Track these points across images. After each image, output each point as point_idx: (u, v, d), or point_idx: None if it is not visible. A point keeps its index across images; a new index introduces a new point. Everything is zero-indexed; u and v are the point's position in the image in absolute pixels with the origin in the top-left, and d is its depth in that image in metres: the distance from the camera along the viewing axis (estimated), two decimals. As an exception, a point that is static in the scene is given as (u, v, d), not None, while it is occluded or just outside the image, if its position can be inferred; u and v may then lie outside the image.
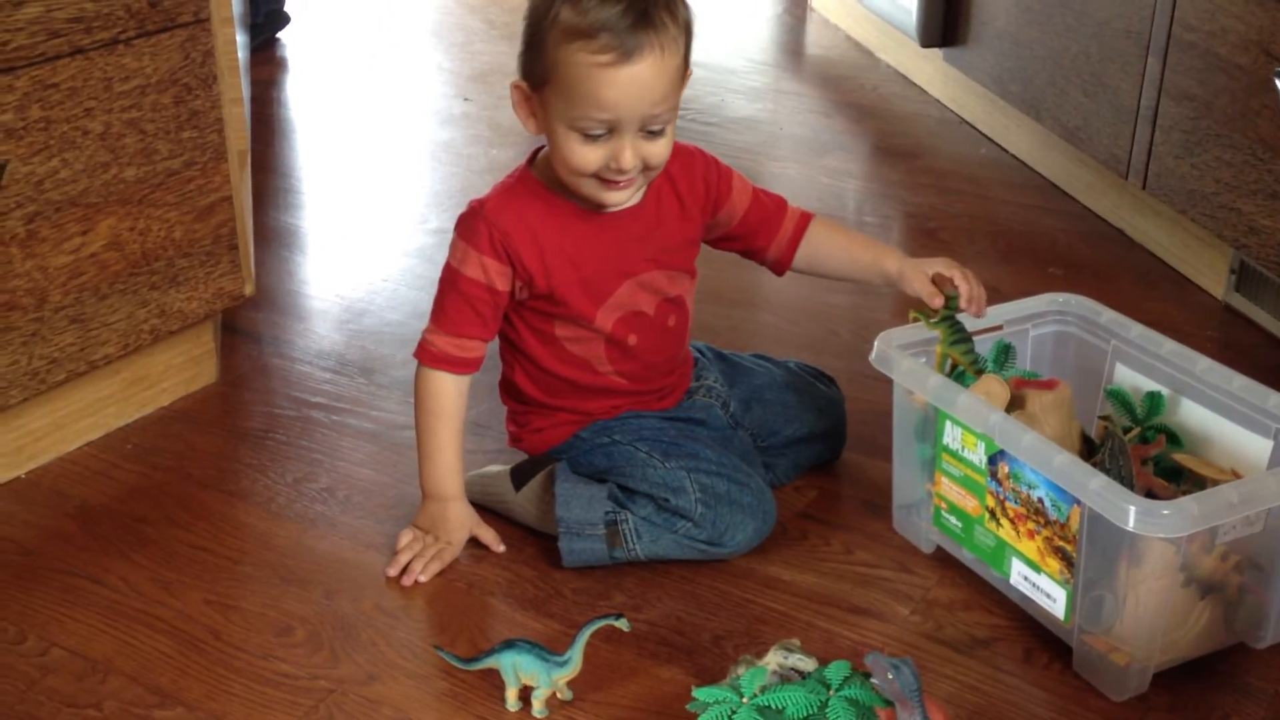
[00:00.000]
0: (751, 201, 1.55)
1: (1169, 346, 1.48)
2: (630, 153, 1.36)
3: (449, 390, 1.47)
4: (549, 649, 1.27)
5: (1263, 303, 1.97)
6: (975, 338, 1.50)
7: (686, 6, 1.38)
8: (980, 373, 1.46)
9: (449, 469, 1.48)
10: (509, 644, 1.27)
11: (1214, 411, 1.43)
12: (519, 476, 1.53)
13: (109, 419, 1.71)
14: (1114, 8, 2.10)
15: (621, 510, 1.45)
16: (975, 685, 1.33)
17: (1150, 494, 1.37)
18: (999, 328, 1.54)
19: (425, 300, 1.99)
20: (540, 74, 1.36)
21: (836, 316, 2.01)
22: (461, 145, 2.62)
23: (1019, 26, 2.37)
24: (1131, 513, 1.20)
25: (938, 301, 1.46)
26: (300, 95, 2.92)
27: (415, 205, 2.39)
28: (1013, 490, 1.35)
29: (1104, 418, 1.52)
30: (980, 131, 2.67)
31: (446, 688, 1.32)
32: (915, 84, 2.92)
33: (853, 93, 2.90)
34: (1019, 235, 2.26)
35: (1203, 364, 1.44)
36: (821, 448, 1.64)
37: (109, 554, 1.50)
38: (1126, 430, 1.48)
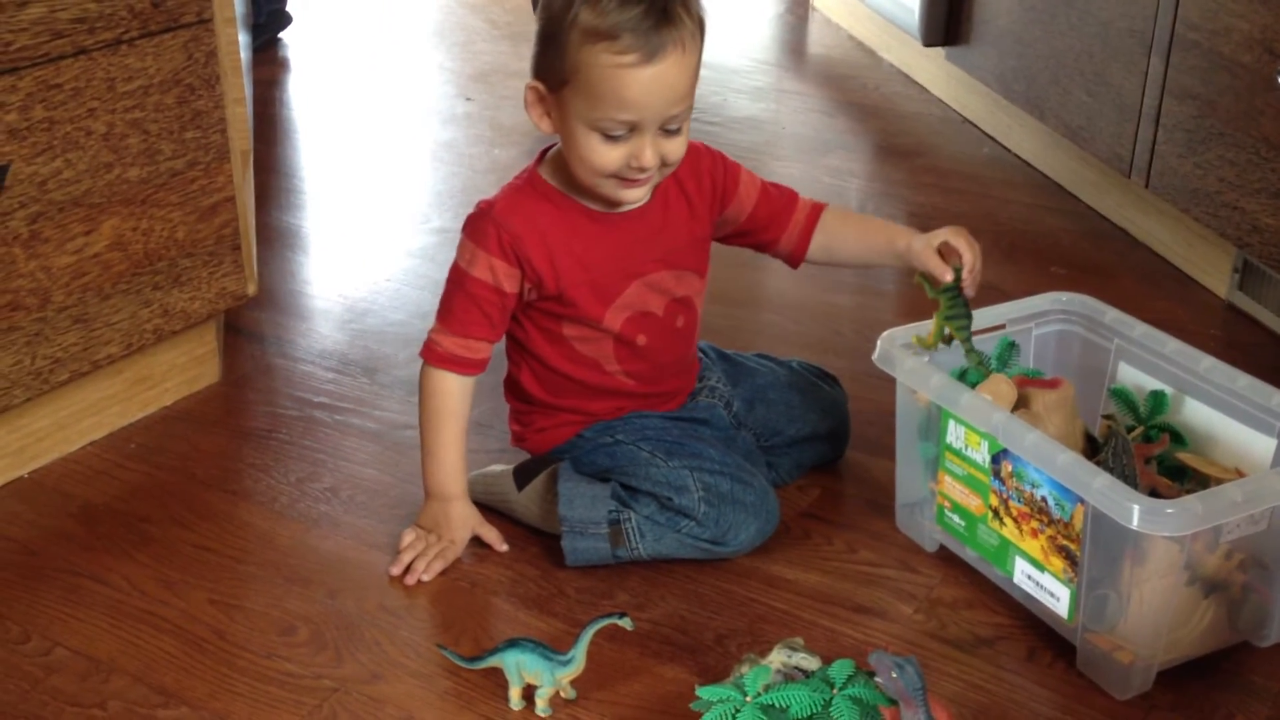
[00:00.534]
0: (760, 196, 1.55)
1: (1172, 345, 1.48)
2: (651, 151, 1.36)
3: (454, 390, 1.47)
4: (552, 648, 1.27)
5: (1266, 301, 1.97)
6: (980, 338, 1.50)
7: (699, 2, 1.38)
8: (973, 354, 1.46)
9: (452, 468, 1.48)
10: (512, 643, 1.27)
11: (1218, 410, 1.43)
12: (522, 476, 1.53)
13: (112, 419, 1.71)
14: (1117, 7, 2.10)
15: (625, 509, 1.45)
16: (979, 684, 1.33)
17: (1154, 493, 1.37)
18: (1002, 327, 1.54)
19: (428, 300, 2.00)
20: (559, 75, 1.36)
21: (840, 316, 2.01)
22: (463, 145, 2.62)
23: (1022, 25, 2.37)
24: (1135, 511, 1.20)
25: (947, 277, 1.45)
26: (302, 95, 2.93)
27: (417, 205, 2.39)
28: (1016, 489, 1.35)
29: (1107, 416, 1.52)
30: (983, 131, 2.67)
31: (450, 687, 1.32)
32: (918, 83, 2.91)
33: (855, 92, 2.90)
34: (1022, 234, 2.26)
35: (1206, 363, 1.44)
36: (825, 447, 1.64)
37: (112, 554, 1.50)
38: (1130, 429, 1.48)
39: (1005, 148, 2.59)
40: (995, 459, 1.36)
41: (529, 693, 1.29)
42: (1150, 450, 1.43)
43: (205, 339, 1.80)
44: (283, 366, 1.87)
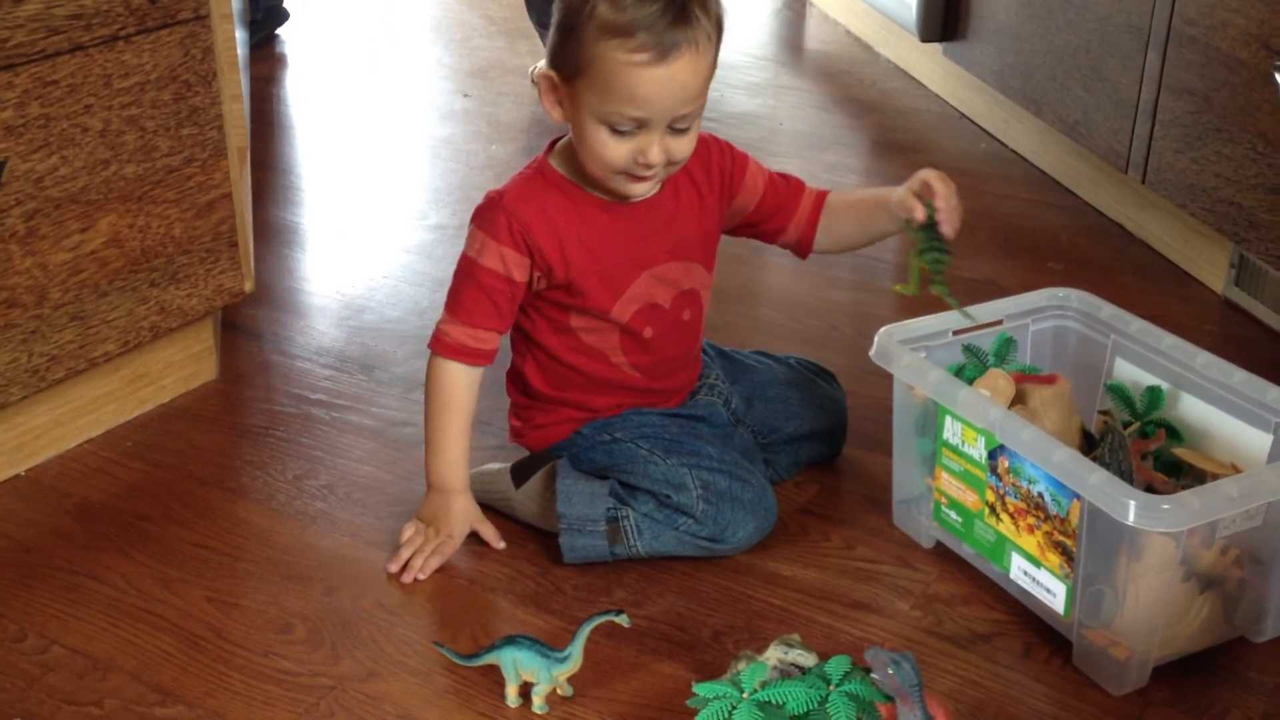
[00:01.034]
0: (768, 185, 1.55)
1: (1169, 341, 1.48)
2: (657, 149, 1.37)
3: (461, 382, 1.47)
4: (549, 645, 1.27)
5: (1262, 297, 1.97)
6: (976, 334, 1.50)
7: (718, 2, 1.38)
8: (942, 289, 1.44)
9: (455, 462, 1.48)
10: (509, 640, 1.28)
11: (1214, 406, 1.43)
12: (520, 473, 1.53)
13: (109, 416, 1.71)
14: (1114, 2, 2.10)
15: (623, 507, 1.45)
16: (975, 680, 1.33)
17: (1150, 488, 1.37)
18: (999, 322, 1.54)
19: (425, 296, 2.00)
20: (573, 67, 1.36)
21: (837, 312, 2.01)
22: (461, 141, 2.62)
23: (1019, 21, 2.37)
24: (1131, 507, 1.20)
25: (918, 214, 1.45)
26: (299, 92, 2.92)
27: (415, 201, 2.38)
28: (1013, 485, 1.35)
29: (1104, 412, 1.52)
30: (980, 126, 2.67)
31: (447, 684, 1.32)
32: (915, 79, 2.91)
33: (852, 88, 2.90)
34: (1019, 230, 2.26)
35: (1202, 358, 1.44)
36: (822, 444, 1.64)
37: (109, 551, 1.50)
38: (1126, 425, 1.48)
39: (1002, 143, 2.59)
40: (992, 455, 1.36)
41: (526, 690, 1.29)
42: (1146, 446, 1.43)
43: (202, 336, 1.80)
44: (280, 364, 1.87)
